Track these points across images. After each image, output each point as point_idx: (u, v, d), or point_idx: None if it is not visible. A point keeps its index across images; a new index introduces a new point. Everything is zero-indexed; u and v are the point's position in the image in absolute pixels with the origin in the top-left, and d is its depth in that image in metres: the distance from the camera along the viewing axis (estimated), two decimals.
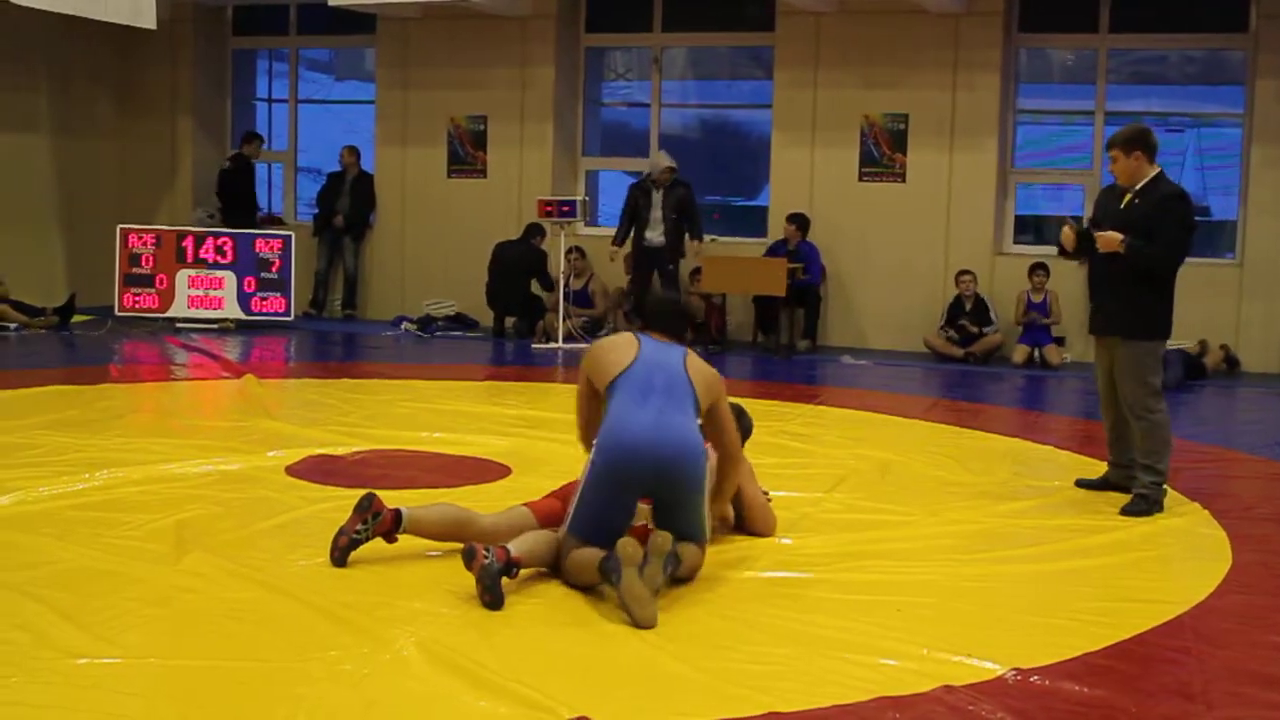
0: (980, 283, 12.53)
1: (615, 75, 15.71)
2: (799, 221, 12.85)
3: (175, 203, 15.32)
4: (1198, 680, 4.06)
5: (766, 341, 12.89)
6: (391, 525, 4.89)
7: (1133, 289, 6.36)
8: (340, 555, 4.88)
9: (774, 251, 12.93)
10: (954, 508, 6.30)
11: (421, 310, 14.02)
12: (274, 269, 13.35)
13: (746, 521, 5.58)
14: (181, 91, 15.29)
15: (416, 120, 14.52)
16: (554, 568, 4.83)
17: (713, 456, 5.12)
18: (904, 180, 13.01)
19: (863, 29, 12.99)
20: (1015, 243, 13.24)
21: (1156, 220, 6.30)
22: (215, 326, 13.03)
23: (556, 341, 12.57)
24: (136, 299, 13.04)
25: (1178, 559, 5.72)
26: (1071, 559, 5.49)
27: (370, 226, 14.77)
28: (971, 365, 12.12)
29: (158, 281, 13.05)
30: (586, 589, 4.70)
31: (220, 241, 13.24)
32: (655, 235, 12.67)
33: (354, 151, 14.68)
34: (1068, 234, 6.62)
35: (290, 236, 13.57)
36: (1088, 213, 8.05)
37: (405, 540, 4.95)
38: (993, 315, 12.42)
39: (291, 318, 13.49)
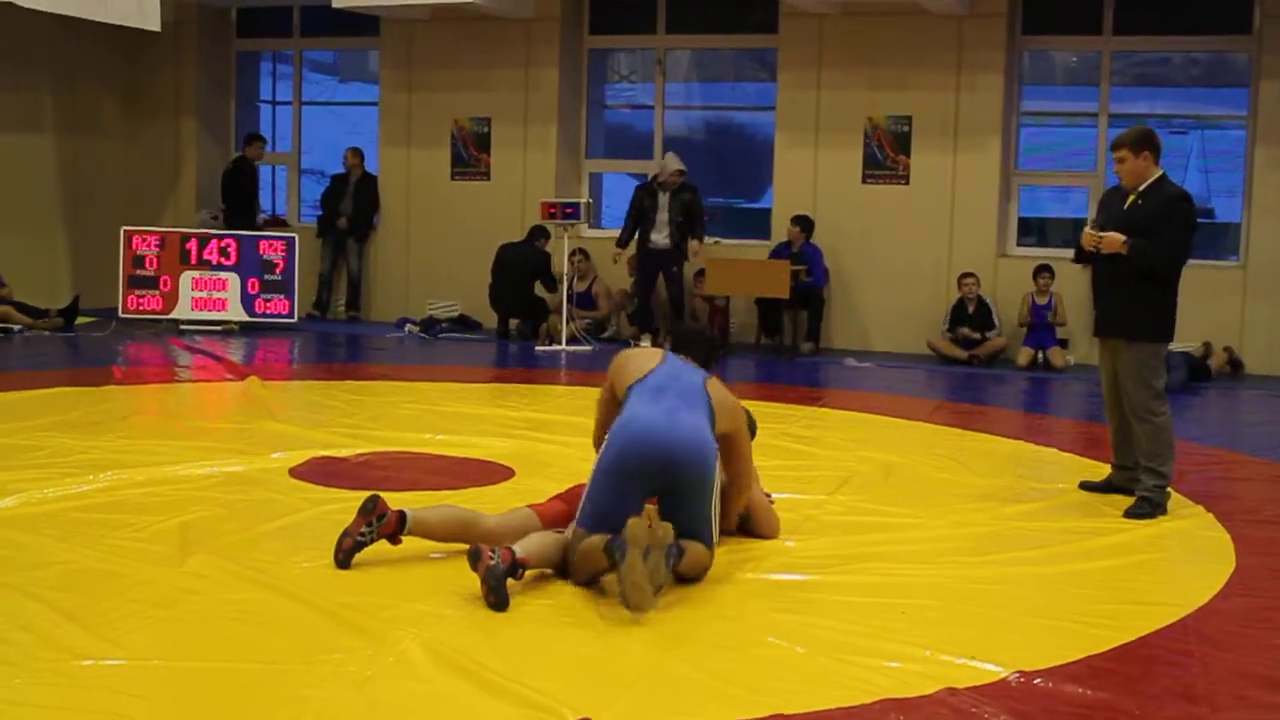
0: (983, 285, 12.53)
1: (619, 77, 15.73)
2: (803, 223, 12.85)
3: (179, 204, 15.34)
4: (1201, 683, 4.05)
5: (770, 343, 12.88)
6: (396, 527, 4.89)
7: (1136, 290, 6.35)
8: (344, 557, 4.88)
9: (778, 253, 12.93)
10: (957, 510, 6.30)
11: (425, 312, 14.03)
12: (278, 271, 13.36)
13: (750, 524, 5.58)
14: (185, 93, 15.31)
15: (420, 122, 14.53)
16: (559, 569, 4.84)
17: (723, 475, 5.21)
18: (907, 182, 13.01)
19: (866, 31, 13.00)
20: (1018, 245, 13.24)
21: (1160, 221, 6.30)
22: (219, 328, 13.04)
23: (560, 343, 12.57)
24: (140, 301, 13.05)
25: (1181, 561, 5.72)
26: (1075, 561, 5.49)
27: (374, 228, 14.78)
28: (975, 368, 12.12)
29: (161, 283, 13.07)
30: (590, 583, 4.72)
31: (224, 243, 13.25)
32: (660, 238, 12.69)
33: (358, 153, 14.69)
34: (1090, 237, 6.55)
35: (294, 238, 13.58)
36: (1091, 215, 8.04)
37: (409, 542, 4.95)
38: (995, 319, 12.41)
39: (295, 319, 13.50)
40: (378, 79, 15.06)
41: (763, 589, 4.95)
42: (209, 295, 13.16)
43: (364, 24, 14.57)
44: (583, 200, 13.13)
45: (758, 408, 6.85)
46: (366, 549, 4.90)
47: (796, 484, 6.61)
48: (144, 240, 13.08)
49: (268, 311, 13.34)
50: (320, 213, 14.89)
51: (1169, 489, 6.40)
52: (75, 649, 3.95)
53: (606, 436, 4.98)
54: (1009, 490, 6.81)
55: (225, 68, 15.75)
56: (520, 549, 4.61)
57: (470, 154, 14.39)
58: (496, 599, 4.44)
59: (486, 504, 5.49)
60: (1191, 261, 6.52)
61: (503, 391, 10.03)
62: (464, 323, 13.90)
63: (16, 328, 12.27)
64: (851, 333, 13.23)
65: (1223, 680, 4.08)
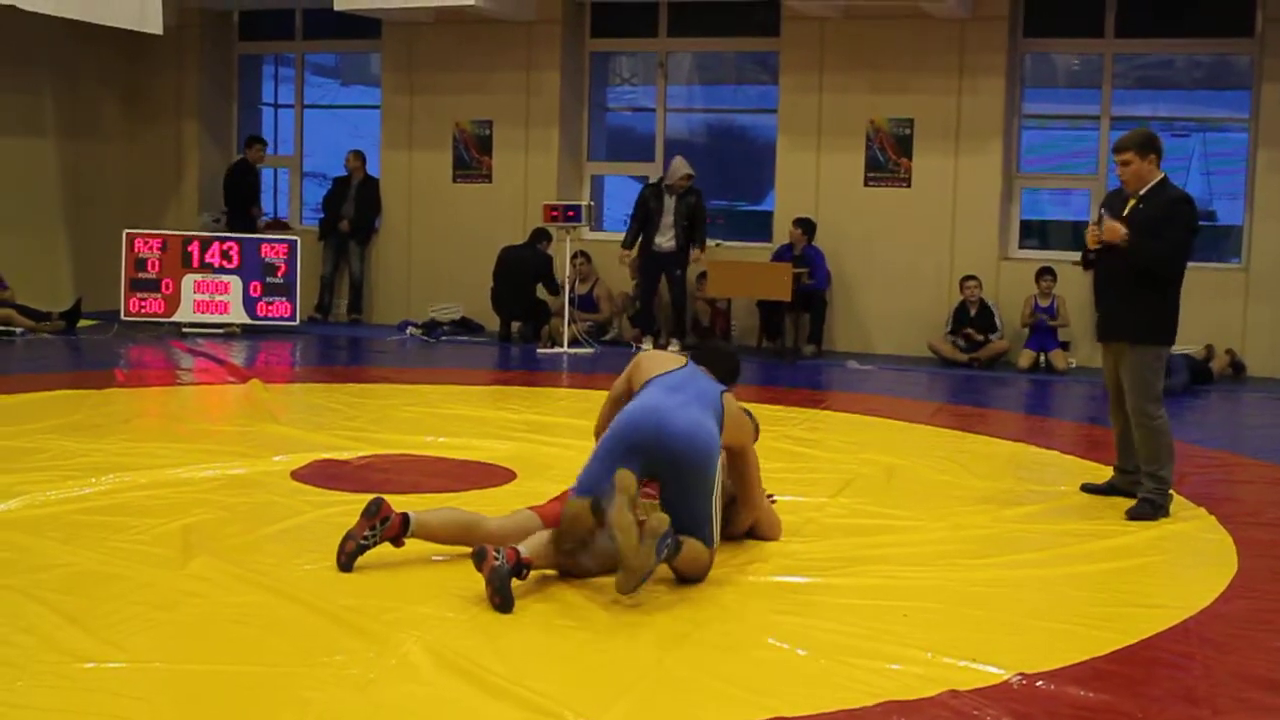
0: (985, 287, 12.52)
1: (621, 80, 15.73)
2: (804, 226, 12.85)
3: (181, 207, 15.35)
4: (1203, 685, 4.05)
5: (772, 346, 12.89)
6: (399, 530, 4.89)
7: (1138, 293, 6.35)
8: (347, 560, 4.88)
9: (779, 256, 12.93)
10: (959, 512, 6.30)
11: (427, 315, 14.04)
12: (279, 274, 13.37)
13: (752, 526, 5.59)
14: (187, 96, 15.32)
15: (422, 125, 14.54)
16: (562, 570, 4.84)
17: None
18: (909, 185, 13.01)
19: (868, 34, 13.00)
20: (1020, 248, 13.24)
21: (1163, 224, 6.30)
22: (221, 331, 13.04)
23: (562, 346, 12.58)
24: (142, 303, 13.05)
25: (1183, 564, 5.71)
26: (1077, 564, 5.49)
27: (376, 231, 14.78)
28: (977, 370, 12.12)
29: (163, 286, 13.07)
30: (583, 573, 4.78)
31: (226, 246, 13.26)
32: (665, 240, 12.75)
33: (359, 156, 14.69)
34: (1093, 233, 6.55)
35: (296, 241, 13.59)
36: (1093, 217, 8.02)
37: (410, 545, 4.96)
38: (997, 321, 12.41)
39: (297, 322, 13.50)
40: (379, 82, 15.06)
41: (764, 591, 4.95)
42: (211, 298, 13.16)
43: (366, 27, 14.58)
44: (584, 203, 13.14)
45: (760, 410, 6.83)
46: (368, 551, 4.90)
47: (798, 486, 6.61)
48: (146, 243, 13.09)
49: (270, 314, 13.34)
50: (322, 215, 14.90)
51: (1171, 491, 6.40)
52: (77, 651, 3.95)
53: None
54: (1010, 493, 6.81)
55: (227, 70, 15.76)
56: (525, 549, 4.62)
57: (472, 157, 14.40)
58: (501, 600, 4.45)
59: (488, 506, 5.50)
60: (1193, 264, 6.52)
61: (504, 394, 10.03)
62: (466, 325, 13.90)
63: (18, 330, 12.28)
64: (853, 335, 13.23)
65: (1224, 683, 4.08)
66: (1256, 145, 12.26)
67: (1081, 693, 3.93)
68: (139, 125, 15.31)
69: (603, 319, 13.49)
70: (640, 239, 12.85)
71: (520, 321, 13.48)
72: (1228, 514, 6.38)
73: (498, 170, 14.30)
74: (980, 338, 12.35)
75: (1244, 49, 12.57)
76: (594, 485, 4.83)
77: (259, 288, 13.29)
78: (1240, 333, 12.12)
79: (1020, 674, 4.04)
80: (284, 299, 13.39)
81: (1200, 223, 6.57)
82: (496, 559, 4.47)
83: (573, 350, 12.48)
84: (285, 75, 16.25)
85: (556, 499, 5.30)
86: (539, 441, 7.71)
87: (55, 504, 5.78)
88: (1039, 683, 3.99)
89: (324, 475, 6.65)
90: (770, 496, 5.77)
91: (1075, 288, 11.90)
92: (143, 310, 13.05)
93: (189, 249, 13.15)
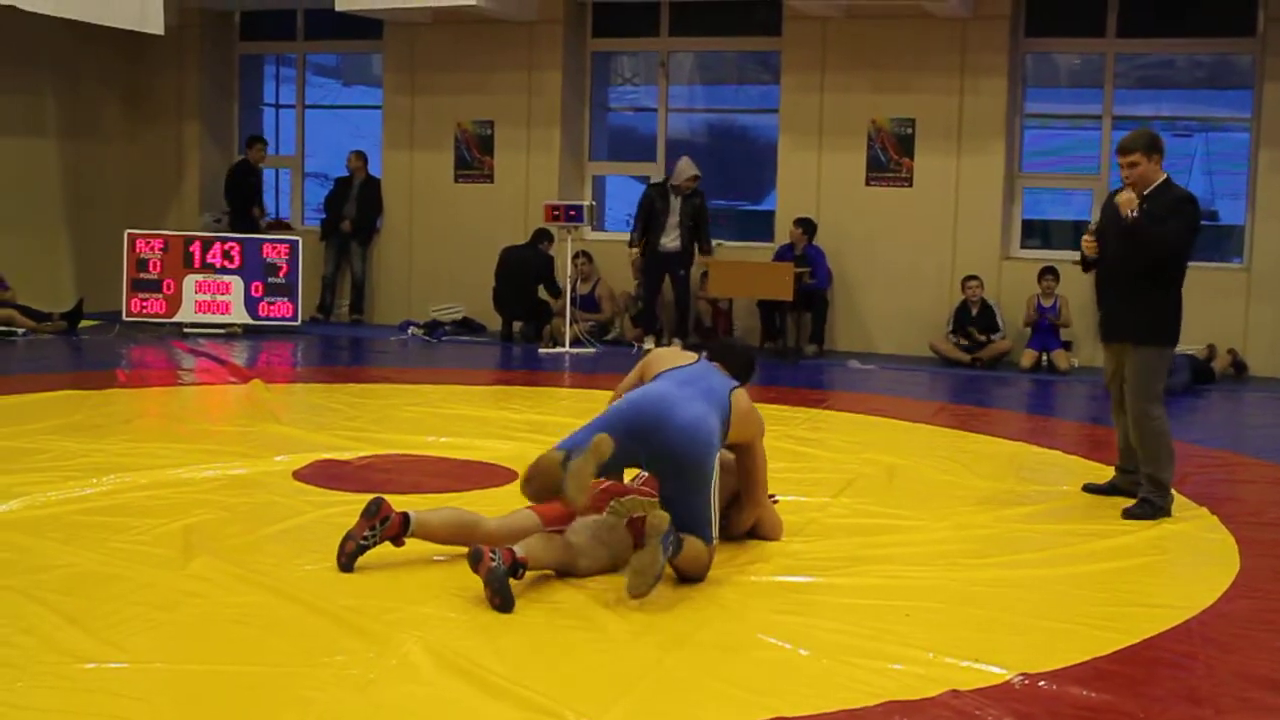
0: (987, 287, 12.52)
1: (622, 80, 15.73)
2: (805, 226, 12.85)
3: (182, 208, 15.36)
4: (1205, 685, 4.05)
5: (773, 346, 12.88)
6: (400, 529, 4.89)
7: (1140, 292, 6.34)
8: (347, 560, 4.88)
9: (781, 256, 12.93)
10: (961, 512, 6.29)
11: (428, 315, 14.03)
12: (281, 274, 13.37)
13: (754, 526, 5.58)
14: (189, 96, 15.32)
15: (423, 125, 14.54)
16: (560, 570, 4.84)
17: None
18: (911, 185, 13.01)
19: (869, 33, 12.99)
20: (1022, 247, 13.24)
21: (1169, 223, 6.29)
22: (222, 331, 13.04)
23: (563, 346, 12.58)
24: (144, 304, 13.06)
25: (1185, 564, 5.71)
26: (1079, 564, 5.48)
27: (377, 231, 14.78)
28: (978, 370, 12.11)
29: (165, 286, 13.07)
30: (544, 497, 4.84)
31: (227, 246, 13.26)
32: (670, 241, 12.78)
33: (361, 156, 14.70)
34: (1090, 242, 6.56)
35: (297, 241, 13.59)
36: (1095, 217, 8.02)
37: (412, 544, 4.95)
38: (999, 322, 12.40)
39: (298, 322, 13.51)
40: (381, 82, 15.07)
41: (766, 591, 4.95)
42: (212, 298, 13.16)
43: (367, 27, 14.58)
44: (586, 203, 13.13)
45: (761, 410, 6.81)
46: (368, 552, 4.89)
47: (800, 486, 6.61)
48: (147, 243, 13.09)
49: (271, 314, 13.34)
50: (324, 216, 14.90)
51: (1172, 492, 6.39)
52: (77, 652, 3.95)
53: None
54: (1012, 493, 6.81)
55: (228, 71, 15.76)
56: (521, 549, 4.62)
57: (473, 157, 14.39)
58: (501, 600, 4.44)
59: (489, 506, 5.49)
60: (1195, 264, 6.51)
61: (505, 394, 10.03)
62: (467, 325, 13.90)
63: (20, 331, 12.28)
64: (855, 335, 13.22)
65: (1227, 683, 4.07)
66: (1258, 145, 12.25)
67: (1084, 693, 3.92)
68: (140, 125, 15.31)
69: (604, 319, 13.49)
70: (644, 239, 12.86)
71: (522, 321, 13.48)
72: (1230, 514, 6.37)
73: (499, 170, 14.30)
74: (981, 338, 12.34)
75: (1245, 48, 12.56)
76: (575, 446, 4.84)
77: (260, 288, 13.29)
78: (1242, 332, 12.11)
79: (1022, 674, 4.04)
80: (285, 299, 13.40)
81: (1202, 222, 6.57)
82: (493, 559, 4.46)
83: (574, 350, 12.49)
84: (286, 75, 16.25)
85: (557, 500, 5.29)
86: (541, 442, 7.65)
87: (56, 504, 5.78)
88: (1041, 683, 3.99)
89: (325, 475, 6.65)
90: (772, 496, 5.77)
91: (1077, 288, 11.88)
92: (144, 310, 13.06)
93: (190, 249, 13.15)
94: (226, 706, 3.64)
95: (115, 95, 15.10)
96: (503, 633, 4.28)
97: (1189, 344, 10.85)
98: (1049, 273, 12.25)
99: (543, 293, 13.32)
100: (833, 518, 6.09)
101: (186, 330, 12.97)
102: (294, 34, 15.56)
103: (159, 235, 13.28)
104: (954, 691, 3.87)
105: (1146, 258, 6.29)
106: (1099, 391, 7.24)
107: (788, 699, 3.78)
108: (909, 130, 12.99)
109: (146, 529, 5.39)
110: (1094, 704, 3.84)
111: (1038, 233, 13.76)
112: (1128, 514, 6.25)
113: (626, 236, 13.25)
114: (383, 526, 4.86)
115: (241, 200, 14.55)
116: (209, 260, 13.16)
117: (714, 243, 13.07)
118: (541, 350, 12.65)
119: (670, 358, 5.43)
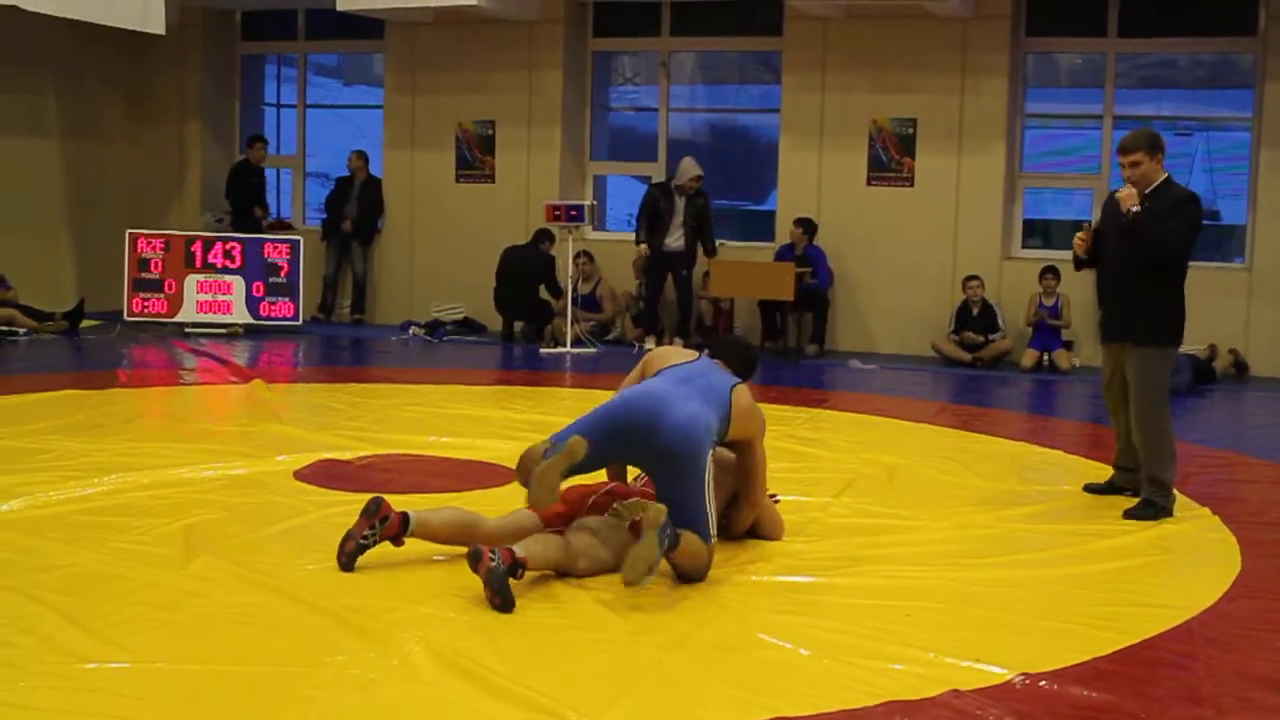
0: (988, 287, 12.51)
1: (623, 80, 15.73)
2: (805, 226, 12.85)
3: (184, 207, 15.36)
4: (1206, 685, 4.05)
5: (774, 346, 12.88)
6: (399, 529, 4.89)
7: (1141, 293, 6.33)
8: (348, 560, 4.88)
9: (782, 256, 12.93)
10: (961, 512, 6.29)
11: (429, 315, 14.03)
12: (282, 274, 13.37)
13: (754, 525, 5.59)
14: (190, 96, 15.33)
15: (424, 125, 14.54)
16: (560, 570, 4.84)
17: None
18: (912, 184, 13.00)
19: (870, 33, 12.99)
20: (1023, 247, 13.23)
21: (1171, 222, 6.28)
22: (224, 331, 13.05)
23: (564, 346, 12.58)
24: (145, 304, 13.06)
25: (1186, 564, 5.71)
26: (1079, 564, 5.48)
27: (378, 231, 14.78)
28: (980, 370, 12.11)
29: (166, 286, 13.07)
30: (577, 559, 4.85)
31: (229, 246, 13.26)
32: (674, 240, 12.80)
33: (362, 156, 14.70)
34: (1081, 240, 6.58)
35: (298, 241, 13.59)
36: (1095, 216, 8.02)
37: (413, 544, 4.95)
38: (1000, 322, 12.40)
39: (300, 322, 13.51)
40: (382, 82, 15.06)
41: (766, 591, 4.95)
42: (214, 298, 13.16)
43: (368, 27, 14.58)
44: (587, 203, 13.13)
45: (762, 409, 6.83)
46: (370, 551, 4.90)
47: (801, 486, 6.61)
48: (149, 243, 13.09)
49: (272, 314, 13.34)
50: (325, 216, 14.90)
51: (1174, 492, 6.38)
52: (78, 652, 3.95)
53: None
54: (1013, 493, 6.81)
55: (230, 71, 15.77)
56: (520, 549, 4.63)
57: (474, 156, 14.39)
58: (502, 600, 4.45)
59: (489, 506, 5.49)
60: (1196, 263, 6.50)
61: (507, 394, 10.03)
62: (468, 325, 13.90)
63: (21, 331, 12.28)
64: (856, 335, 13.22)
65: (1227, 683, 4.07)
66: (1259, 144, 12.24)
67: (1084, 693, 3.92)
68: (142, 125, 15.31)
69: (605, 319, 13.49)
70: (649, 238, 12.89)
71: (523, 321, 13.48)
72: (1231, 514, 6.37)
73: (500, 170, 14.30)
74: (980, 339, 12.33)
75: (1247, 48, 12.55)
76: (560, 441, 4.90)
77: (262, 288, 13.29)
78: (1243, 332, 12.11)
79: (1023, 674, 4.04)
80: (287, 299, 13.40)
81: (1204, 222, 6.56)
82: (492, 560, 4.47)
83: (575, 350, 12.48)
84: (288, 75, 16.25)
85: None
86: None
87: (57, 504, 5.79)
88: (1042, 683, 3.99)
89: (326, 475, 6.65)
90: (773, 496, 5.77)
91: (1079, 287, 11.87)
92: (145, 310, 13.06)
93: (192, 249, 13.15)
94: (228, 706, 3.64)
95: (117, 95, 15.11)
96: (503, 633, 4.28)
97: (1190, 344, 10.83)
98: (1050, 272, 12.25)
99: (544, 293, 13.32)
100: (833, 517, 6.09)
101: (188, 330, 12.97)
102: (295, 34, 15.57)
103: (160, 235, 13.29)
104: (955, 691, 3.87)
105: (1147, 257, 6.29)
106: (1100, 391, 7.21)
107: (788, 699, 3.78)
108: (910, 130, 12.99)
109: (148, 529, 5.39)
110: (1095, 704, 3.84)
111: (1039, 232, 13.75)
112: (1129, 514, 6.25)
113: (628, 236, 13.26)
114: (382, 526, 4.87)
115: (243, 200, 14.56)
116: (210, 260, 13.16)
117: (717, 243, 13.08)
118: (543, 350, 12.65)
119: (671, 355, 5.44)
